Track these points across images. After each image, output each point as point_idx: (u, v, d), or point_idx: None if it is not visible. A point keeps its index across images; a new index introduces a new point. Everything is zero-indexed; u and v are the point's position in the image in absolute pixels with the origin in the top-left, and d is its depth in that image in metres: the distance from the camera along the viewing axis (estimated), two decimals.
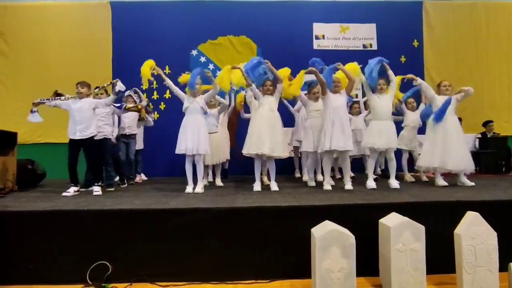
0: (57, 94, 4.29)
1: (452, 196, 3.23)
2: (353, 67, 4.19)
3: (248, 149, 4.04)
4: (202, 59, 6.96)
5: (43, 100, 4.10)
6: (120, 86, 4.03)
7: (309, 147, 4.38)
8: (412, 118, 5.09)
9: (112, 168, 4.73)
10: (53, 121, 5.72)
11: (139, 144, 5.86)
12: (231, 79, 4.23)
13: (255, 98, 4.24)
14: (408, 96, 5.04)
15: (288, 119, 5.65)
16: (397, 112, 5.16)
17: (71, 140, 4.04)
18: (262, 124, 4.02)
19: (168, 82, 4.14)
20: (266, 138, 3.94)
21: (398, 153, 4.84)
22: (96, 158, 4.14)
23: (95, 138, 4.14)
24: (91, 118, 4.06)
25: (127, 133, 5.29)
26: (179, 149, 3.98)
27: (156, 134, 6.25)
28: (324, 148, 3.98)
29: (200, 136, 3.96)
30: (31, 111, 4.08)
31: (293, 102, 5.49)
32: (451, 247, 2.39)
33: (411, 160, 5.18)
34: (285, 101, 5.16)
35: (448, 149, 4.04)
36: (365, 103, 5.47)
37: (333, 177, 5.05)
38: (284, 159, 4.36)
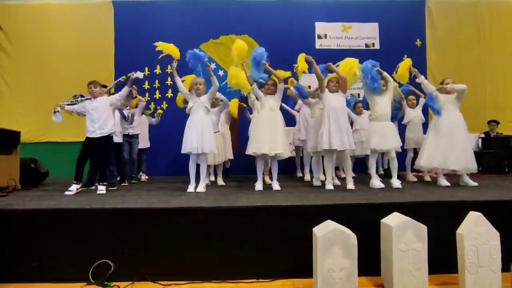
0: (74, 97, 4.39)
1: (455, 196, 3.21)
2: (351, 62, 4.13)
3: (251, 150, 4.05)
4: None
5: (64, 103, 4.23)
6: (138, 74, 4.16)
7: (313, 147, 4.38)
8: (413, 115, 5.07)
9: (115, 167, 4.75)
10: None
11: (145, 143, 5.87)
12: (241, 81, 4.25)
13: (257, 99, 4.24)
14: (404, 95, 5.02)
15: (289, 119, 5.65)
16: (399, 107, 5.12)
17: (88, 138, 4.06)
18: (263, 124, 4.03)
19: (177, 79, 4.17)
20: (268, 138, 3.96)
21: (403, 152, 4.79)
22: (103, 156, 4.16)
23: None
24: (108, 115, 4.10)
25: (130, 133, 5.32)
26: (185, 149, 4.00)
27: (158, 133, 6.25)
28: (322, 147, 3.98)
29: (205, 135, 3.97)
30: (54, 112, 4.18)
31: (292, 103, 5.48)
32: (453, 247, 2.38)
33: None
34: (284, 105, 5.13)
35: (452, 148, 4.02)
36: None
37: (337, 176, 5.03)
38: (286, 159, 4.35)
